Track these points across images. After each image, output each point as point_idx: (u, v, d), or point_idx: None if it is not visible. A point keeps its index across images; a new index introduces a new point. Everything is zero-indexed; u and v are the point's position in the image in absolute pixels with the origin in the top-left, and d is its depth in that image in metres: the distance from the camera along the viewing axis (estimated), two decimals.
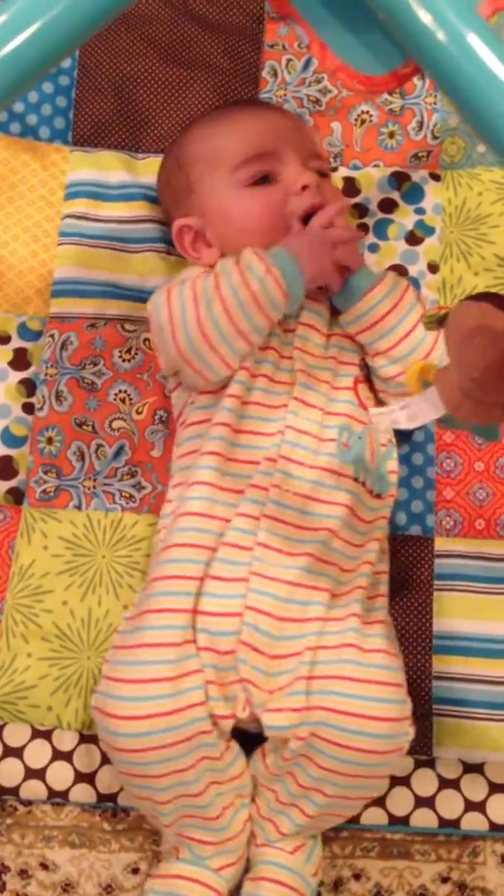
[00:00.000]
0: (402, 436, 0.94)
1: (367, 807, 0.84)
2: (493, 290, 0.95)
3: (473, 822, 0.85)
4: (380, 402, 0.90)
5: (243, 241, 0.85)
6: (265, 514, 0.80)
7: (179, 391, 0.91)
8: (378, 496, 0.85)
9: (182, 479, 0.85)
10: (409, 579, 0.92)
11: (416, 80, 1.05)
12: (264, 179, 0.89)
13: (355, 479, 0.82)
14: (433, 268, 1.01)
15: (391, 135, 1.07)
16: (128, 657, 0.77)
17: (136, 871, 0.84)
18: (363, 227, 1.03)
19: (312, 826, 0.80)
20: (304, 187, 0.88)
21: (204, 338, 0.81)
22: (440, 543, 0.93)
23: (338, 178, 1.05)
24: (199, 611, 0.77)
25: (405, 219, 1.04)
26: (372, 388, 0.91)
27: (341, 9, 0.53)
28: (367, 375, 0.91)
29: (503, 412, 0.68)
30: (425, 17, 0.49)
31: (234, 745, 0.79)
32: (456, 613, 0.91)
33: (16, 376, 0.97)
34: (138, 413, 0.97)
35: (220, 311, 0.80)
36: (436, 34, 0.49)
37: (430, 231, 1.03)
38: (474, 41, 0.48)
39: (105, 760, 0.86)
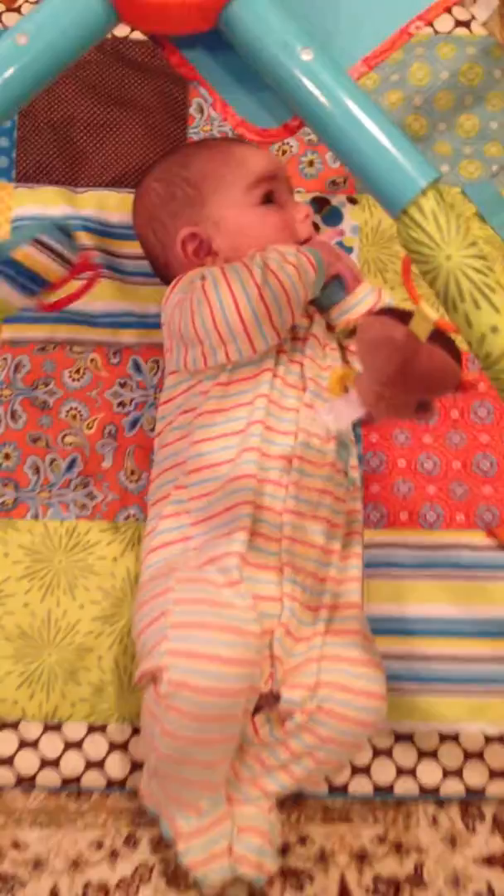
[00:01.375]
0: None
1: None
2: (404, 303, 1.05)
3: (405, 787, 0.93)
4: None
5: (252, 251, 0.91)
6: (286, 508, 0.86)
7: (181, 381, 0.94)
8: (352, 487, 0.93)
9: (195, 467, 0.88)
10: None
11: None
12: (269, 199, 0.97)
13: (343, 473, 0.90)
14: None
15: (310, 163, 1.16)
16: (214, 618, 0.79)
17: (99, 846, 0.92)
18: None
19: (294, 787, 0.87)
20: (306, 216, 0.97)
21: (266, 308, 0.85)
22: (368, 535, 1.01)
23: None
24: (255, 594, 0.82)
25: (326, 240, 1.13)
26: None
27: (238, 74, 0.61)
28: None
29: (413, 409, 0.77)
30: (305, 82, 0.57)
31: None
32: (385, 598, 1.00)
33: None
34: (88, 428, 1.04)
35: (276, 284, 0.85)
36: (314, 94, 0.57)
37: (349, 250, 1.12)
38: (347, 101, 0.57)
39: (69, 746, 0.94)
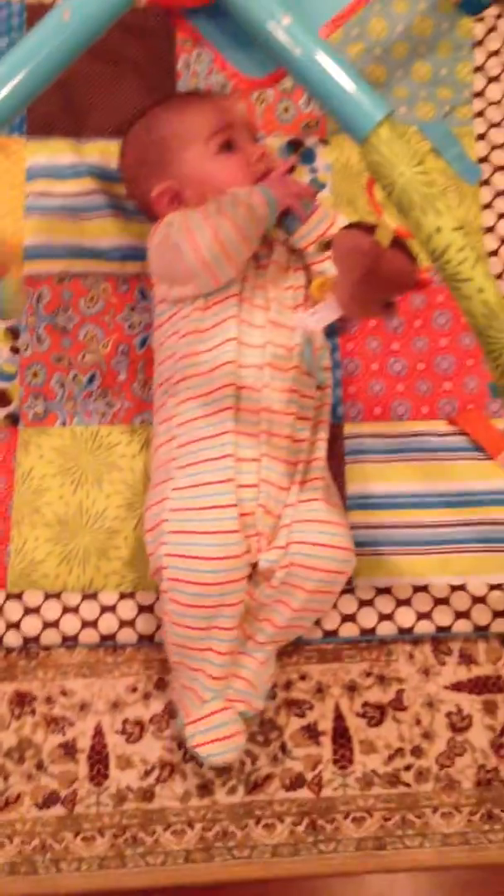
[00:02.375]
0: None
1: None
2: (369, 217, 1.20)
3: (386, 629, 1.10)
4: None
5: (211, 197, 1.05)
6: (262, 407, 1.00)
7: (167, 310, 1.07)
8: (319, 387, 1.07)
9: (181, 377, 1.02)
10: (327, 457, 1.17)
11: None
12: (228, 147, 1.08)
13: (307, 374, 1.04)
14: None
15: (286, 109, 1.30)
16: (201, 524, 0.97)
17: (134, 689, 1.09)
18: None
19: (280, 636, 1.03)
20: (260, 156, 1.09)
21: (220, 244, 0.98)
22: (348, 428, 1.18)
23: None
24: (240, 484, 0.98)
25: (302, 177, 1.26)
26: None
27: (233, 36, 0.77)
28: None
29: (380, 307, 0.92)
30: (285, 40, 0.74)
31: None
32: (363, 479, 1.15)
33: (2, 325, 1.20)
34: (104, 347, 1.20)
35: (229, 223, 0.98)
36: (293, 50, 0.74)
37: (323, 186, 1.26)
38: (318, 54, 0.73)
39: (104, 610, 1.11)
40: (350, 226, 0.88)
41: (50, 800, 1.06)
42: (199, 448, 1.01)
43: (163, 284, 1.07)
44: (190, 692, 1.02)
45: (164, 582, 0.97)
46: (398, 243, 0.84)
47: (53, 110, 1.27)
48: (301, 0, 0.76)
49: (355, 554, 1.05)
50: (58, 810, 1.06)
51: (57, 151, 1.26)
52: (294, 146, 1.28)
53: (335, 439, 1.16)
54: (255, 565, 1.00)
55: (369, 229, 0.84)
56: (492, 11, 1.32)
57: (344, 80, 0.72)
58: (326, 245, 0.92)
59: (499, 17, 1.32)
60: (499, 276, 1.23)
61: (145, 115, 1.14)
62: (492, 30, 1.32)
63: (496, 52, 1.31)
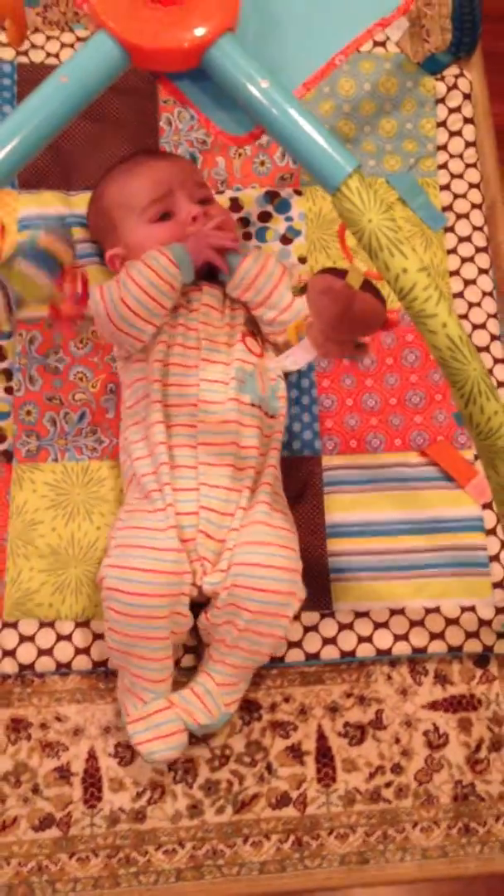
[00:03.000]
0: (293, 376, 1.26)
1: (289, 648, 1.14)
2: (341, 262, 1.28)
3: (365, 651, 1.15)
4: (264, 350, 1.19)
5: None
6: (200, 442, 1.10)
7: (121, 363, 1.21)
8: (272, 416, 1.15)
9: (133, 422, 1.15)
10: (306, 488, 1.21)
11: None
12: (165, 216, 1.19)
13: (252, 405, 1.12)
14: (303, 260, 1.32)
15: (262, 163, 1.38)
16: (138, 540, 1.04)
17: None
18: (247, 235, 1.33)
19: (233, 657, 1.07)
20: (194, 218, 1.17)
21: (128, 308, 1.10)
22: (326, 460, 1.23)
23: (225, 198, 1.34)
24: (178, 511, 1.07)
25: (278, 225, 1.34)
26: (257, 339, 1.19)
27: (215, 97, 0.84)
28: (252, 330, 1.18)
29: (352, 347, 0.98)
30: (263, 102, 0.81)
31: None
32: (341, 509, 1.21)
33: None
34: (93, 387, 1.26)
35: (134, 287, 1.10)
36: (270, 111, 0.81)
37: (298, 233, 1.33)
38: (293, 114, 0.81)
39: (97, 637, 1.15)
40: (323, 270, 0.95)
41: (46, 822, 1.10)
42: (139, 467, 1.11)
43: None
44: (131, 693, 1.08)
45: (103, 591, 1.05)
46: (368, 286, 0.91)
47: (43, 164, 1.35)
48: (277, 64, 0.84)
49: (333, 580, 1.12)
50: (53, 832, 1.09)
51: (47, 203, 1.33)
52: (270, 197, 1.36)
53: (314, 472, 1.23)
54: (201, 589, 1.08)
55: (341, 273, 0.91)
56: (452, 71, 1.42)
57: (316, 137, 0.79)
58: (303, 289, 0.98)
59: (458, 75, 1.41)
60: (464, 317, 1.31)
61: (102, 181, 1.25)
62: (452, 87, 1.41)
63: (457, 109, 1.40)
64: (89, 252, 1.30)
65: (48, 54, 1.41)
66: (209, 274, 1.17)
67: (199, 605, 1.10)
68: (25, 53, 1.40)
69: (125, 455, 1.16)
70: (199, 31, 0.79)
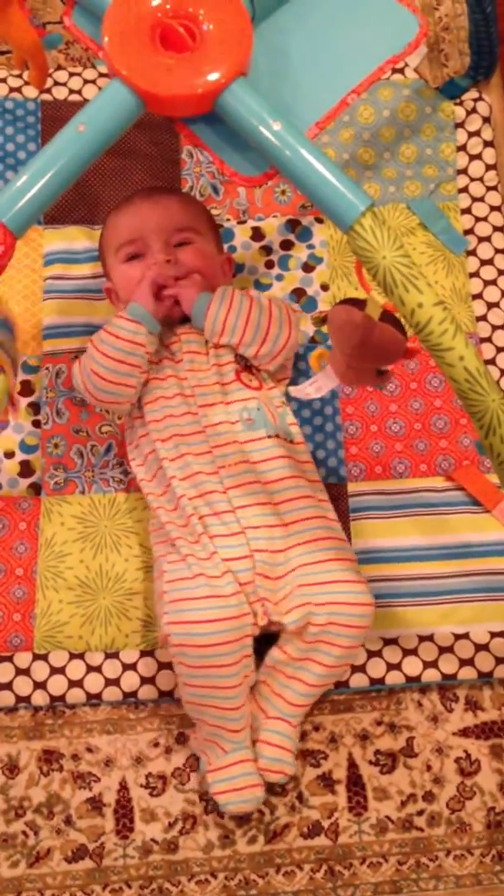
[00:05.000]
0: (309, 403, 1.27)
1: None
2: (356, 292, 1.28)
3: (394, 678, 1.15)
4: (262, 380, 1.19)
5: (131, 299, 1.17)
6: (227, 487, 1.11)
7: (125, 423, 1.23)
8: (291, 442, 1.16)
9: (149, 477, 1.16)
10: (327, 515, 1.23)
11: None
12: (136, 256, 1.20)
13: (269, 437, 1.13)
14: (325, 287, 1.33)
15: (283, 192, 1.39)
16: (195, 592, 1.04)
17: (156, 744, 1.15)
18: (269, 264, 1.35)
19: (311, 694, 1.09)
20: (156, 264, 1.19)
21: (100, 378, 1.14)
22: (352, 487, 1.24)
23: (247, 228, 1.36)
24: (224, 558, 1.06)
25: (300, 253, 1.36)
26: (253, 372, 1.19)
27: (229, 139, 0.86)
28: (246, 364, 1.18)
29: (373, 375, 0.99)
30: (276, 144, 0.82)
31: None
32: (367, 535, 1.21)
33: (25, 401, 1.29)
34: (119, 419, 1.28)
35: (100, 356, 1.14)
36: (283, 152, 0.82)
37: (320, 260, 1.35)
38: (306, 155, 0.82)
39: (126, 668, 1.16)
40: (343, 301, 0.96)
41: (79, 853, 1.11)
42: (168, 519, 1.12)
43: None
44: (212, 744, 1.08)
45: (171, 648, 1.05)
46: (388, 316, 0.92)
47: (68, 200, 1.37)
48: (290, 105, 0.85)
49: None
50: (86, 863, 1.10)
51: (72, 238, 1.36)
52: (292, 225, 1.37)
53: (340, 498, 1.23)
54: (264, 628, 1.08)
55: (360, 303, 0.92)
56: (470, 94, 1.42)
57: (329, 177, 0.80)
58: (323, 319, 0.99)
59: (477, 99, 1.41)
60: (487, 340, 1.31)
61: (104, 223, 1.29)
62: (471, 111, 1.41)
63: (477, 132, 1.40)
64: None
65: (71, 91, 1.43)
66: (186, 319, 1.20)
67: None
68: (49, 91, 1.42)
69: (151, 506, 1.16)
70: (212, 77, 0.81)
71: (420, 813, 1.13)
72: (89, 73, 1.45)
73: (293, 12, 0.90)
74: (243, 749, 1.08)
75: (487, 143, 1.40)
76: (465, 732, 1.16)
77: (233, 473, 1.12)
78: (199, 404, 1.15)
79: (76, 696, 1.15)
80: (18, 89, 1.42)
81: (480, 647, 1.17)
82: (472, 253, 1.36)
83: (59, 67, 1.45)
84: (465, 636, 1.17)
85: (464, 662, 1.16)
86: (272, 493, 1.12)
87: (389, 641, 1.17)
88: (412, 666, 1.16)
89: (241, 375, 1.18)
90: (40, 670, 1.15)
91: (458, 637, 1.17)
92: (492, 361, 1.30)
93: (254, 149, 0.85)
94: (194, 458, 1.13)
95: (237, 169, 0.87)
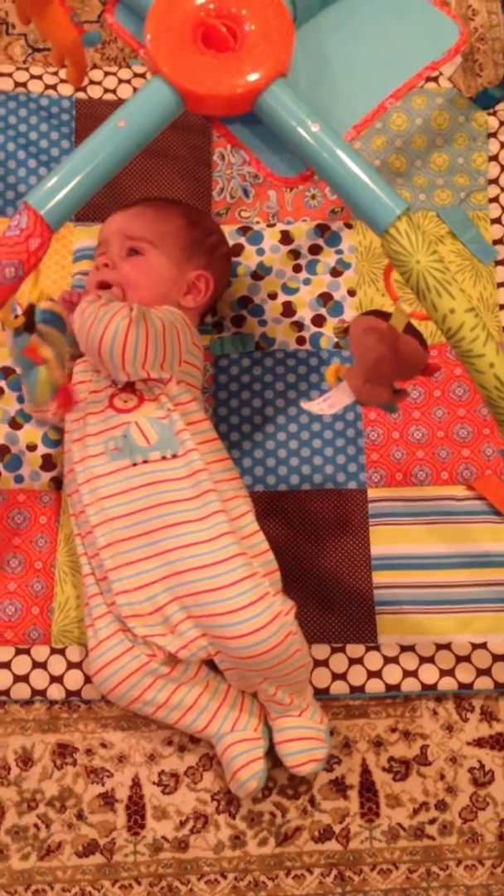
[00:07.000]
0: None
1: (333, 681, 1.15)
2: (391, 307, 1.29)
3: (410, 685, 1.15)
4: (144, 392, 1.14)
5: None
6: (98, 548, 1.09)
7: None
8: (174, 456, 1.09)
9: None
10: (351, 520, 1.22)
11: None
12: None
13: (143, 462, 1.09)
14: (352, 293, 1.34)
15: (313, 196, 1.40)
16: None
17: (170, 742, 1.15)
18: (297, 268, 1.35)
19: (294, 688, 1.07)
20: (97, 269, 1.22)
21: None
22: (372, 493, 1.24)
23: (276, 231, 1.37)
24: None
25: (328, 258, 1.36)
26: (132, 391, 1.13)
27: (266, 139, 0.86)
28: (126, 385, 1.14)
29: (390, 392, 0.99)
30: (314, 145, 0.82)
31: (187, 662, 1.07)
32: (386, 541, 1.21)
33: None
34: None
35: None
36: (321, 154, 0.82)
37: (348, 266, 1.36)
38: (344, 157, 0.82)
39: None
40: (367, 312, 0.96)
41: (90, 848, 1.11)
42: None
43: None
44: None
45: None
46: (411, 330, 0.92)
47: (98, 199, 1.34)
48: (328, 107, 0.85)
49: (378, 613, 1.13)
50: (97, 858, 1.10)
51: None
52: (321, 230, 1.38)
53: (359, 504, 1.23)
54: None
55: (385, 315, 0.92)
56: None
57: (365, 180, 0.80)
58: (345, 330, 0.99)
59: None
60: None
61: None
62: None
63: None
64: None
65: (105, 90, 1.44)
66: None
67: None
68: (84, 89, 1.43)
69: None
70: (252, 77, 0.81)
71: (432, 821, 1.12)
72: (124, 73, 1.46)
73: (334, 15, 0.90)
74: (225, 736, 1.08)
75: None
76: (479, 743, 1.15)
77: (105, 531, 1.09)
78: (77, 452, 1.15)
79: (92, 691, 1.15)
80: (54, 87, 1.43)
81: (498, 658, 1.16)
82: (501, 263, 1.35)
83: (95, 66, 1.46)
84: (483, 646, 1.17)
85: (481, 672, 1.16)
86: (142, 522, 1.08)
87: (406, 648, 1.17)
88: (428, 674, 1.16)
89: (114, 400, 1.13)
90: (57, 664, 1.16)
91: (475, 647, 1.17)
92: None
93: (290, 150, 0.85)
94: (76, 517, 1.15)
95: (273, 169, 0.87)
